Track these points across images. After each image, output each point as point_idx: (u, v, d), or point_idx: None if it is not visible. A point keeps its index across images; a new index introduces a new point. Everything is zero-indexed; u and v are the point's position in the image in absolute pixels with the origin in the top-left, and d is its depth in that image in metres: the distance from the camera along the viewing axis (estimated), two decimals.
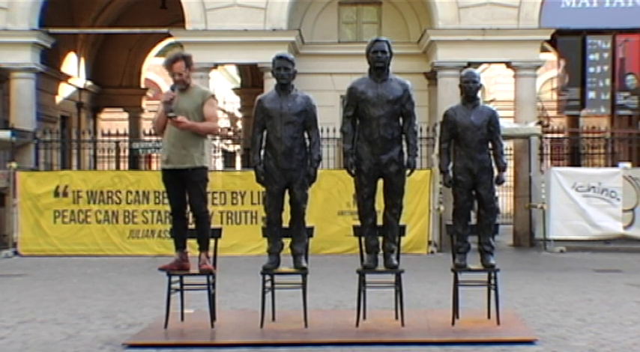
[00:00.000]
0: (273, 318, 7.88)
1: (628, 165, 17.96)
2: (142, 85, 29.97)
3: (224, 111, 32.78)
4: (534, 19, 18.55)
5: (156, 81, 37.03)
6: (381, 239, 7.87)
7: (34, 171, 17.73)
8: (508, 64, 19.36)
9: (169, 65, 7.56)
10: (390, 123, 7.68)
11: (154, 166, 25.63)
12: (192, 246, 7.78)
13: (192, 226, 7.86)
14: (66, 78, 25.08)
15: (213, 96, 7.79)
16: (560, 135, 24.22)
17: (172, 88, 7.54)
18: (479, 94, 8.14)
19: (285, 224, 7.90)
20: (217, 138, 21.43)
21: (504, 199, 22.47)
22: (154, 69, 34.93)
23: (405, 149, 7.79)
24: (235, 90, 31.39)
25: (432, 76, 19.99)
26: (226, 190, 16.28)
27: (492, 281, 7.85)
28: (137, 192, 16.51)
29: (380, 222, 7.87)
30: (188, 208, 7.70)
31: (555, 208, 16.89)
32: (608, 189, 16.87)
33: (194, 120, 7.49)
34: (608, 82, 19.06)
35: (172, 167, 7.52)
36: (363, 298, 7.81)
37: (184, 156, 7.49)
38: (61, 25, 21.87)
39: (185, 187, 7.59)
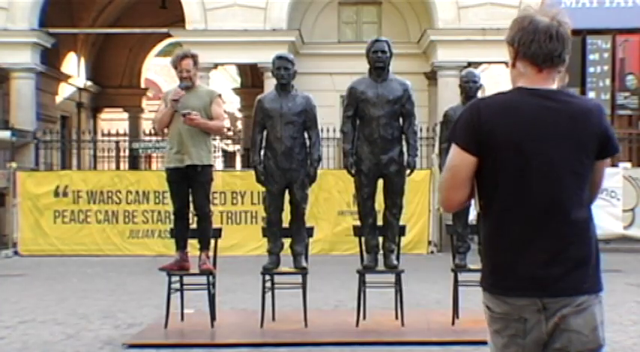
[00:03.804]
0: (273, 318, 7.88)
1: (628, 165, 17.94)
2: (142, 85, 30.01)
3: (225, 111, 32.82)
4: None
5: (156, 81, 37.04)
6: (381, 239, 7.87)
7: (34, 171, 17.74)
8: (508, 64, 19.33)
9: (177, 62, 7.56)
10: (390, 123, 7.68)
11: (153, 166, 25.65)
12: (192, 245, 7.79)
13: (193, 226, 7.88)
14: (66, 78, 25.10)
15: (220, 95, 7.87)
16: None
17: (181, 86, 7.54)
18: (479, 94, 8.14)
19: (285, 224, 7.91)
20: (217, 138, 21.42)
21: None
22: (154, 69, 34.95)
23: (405, 149, 7.80)
24: (235, 90, 31.41)
25: (432, 76, 20.00)
26: (226, 190, 16.27)
27: None
28: (137, 192, 16.49)
29: (380, 222, 7.88)
30: (190, 208, 7.72)
31: None
32: (608, 189, 16.83)
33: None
34: (608, 82, 19.07)
35: (184, 165, 7.49)
36: (363, 298, 7.81)
37: (194, 153, 7.50)
38: (61, 25, 21.89)
39: (190, 187, 7.59)
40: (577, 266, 2.76)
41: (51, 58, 21.76)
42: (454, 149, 2.84)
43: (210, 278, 7.70)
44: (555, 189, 2.76)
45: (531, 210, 2.77)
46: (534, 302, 2.74)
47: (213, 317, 7.73)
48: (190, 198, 7.67)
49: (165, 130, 7.81)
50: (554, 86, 2.89)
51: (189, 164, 7.49)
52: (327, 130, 15.77)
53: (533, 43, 2.82)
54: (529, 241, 2.76)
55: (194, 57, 7.62)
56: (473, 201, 2.96)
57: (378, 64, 7.70)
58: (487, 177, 2.82)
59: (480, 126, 2.79)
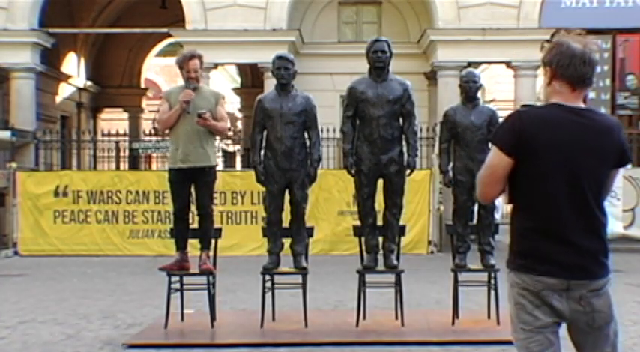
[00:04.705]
0: (273, 318, 7.88)
1: (628, 165, 17.92)
2: (142, 85, 29.99)
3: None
4: (534, 19, 18.55)
5: (156, 81, 37.04)
6: (381, 239, 7.87)
7: (34, 171, 17.73)
8: (508, 64, 19.36)
9: (185, 63, 7.54)
10: (390, 123, 7.68)
11: (154, 166, 25.64)
12: (192, 245, 7.79)
13: (193, 226, 7.87)
14: (66, 78, 25.09)
15: (224, 97, 7.91)
16: None
17: (190, 87, 7.53)
18: (479, 94, 8.14)
19: (285, 224, 7.91)
20: (217, 138, 21.43)
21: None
22: (154, 69, 34.96)
23: (405, 149, 7.80)
24: (235, 90, 31.40)
25: (432, 76, 19.99)
26: (226, 190, 16.27)
27: (492, 281, 7.85)
28: (137, 192, 16.50)
29: (380, 222, 7.88)
30: (191, 208, 7.72)
31: None
32: None
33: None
34: (608, 82, 19.06)
35: (192, 165, 7.48)
36: (363, 298, 7.81)
37: (202, 154, 7.51)
38: (61, 25, 21.88)
39: (192, 187, 7.60)
40: (596, 255, 3.32)
41: (51, 58, 21.76)
42: (494, 150, 3.35)
43: (210, 278, 7.70)
44: (582, 191, 3.30)
45: (561, 208, 3.30)
46: (561, 283, 3.28)
47: (213, 317, 7.73)
48: (191, 199, 7.68)
49: (167, 131, 7.81)
50: (582, 104, 3.39)
51: (199, 166, 7.48)
52: (327, 130, 15.76)
53: (570, 67, 3.31)
54: (560, 233, 3.29)
55: (200, 57, 7.63)
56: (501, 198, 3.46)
57: (378, 64, 7.70)
58: (524, 178, 3.33)
59: (520, 133, 3.29)
